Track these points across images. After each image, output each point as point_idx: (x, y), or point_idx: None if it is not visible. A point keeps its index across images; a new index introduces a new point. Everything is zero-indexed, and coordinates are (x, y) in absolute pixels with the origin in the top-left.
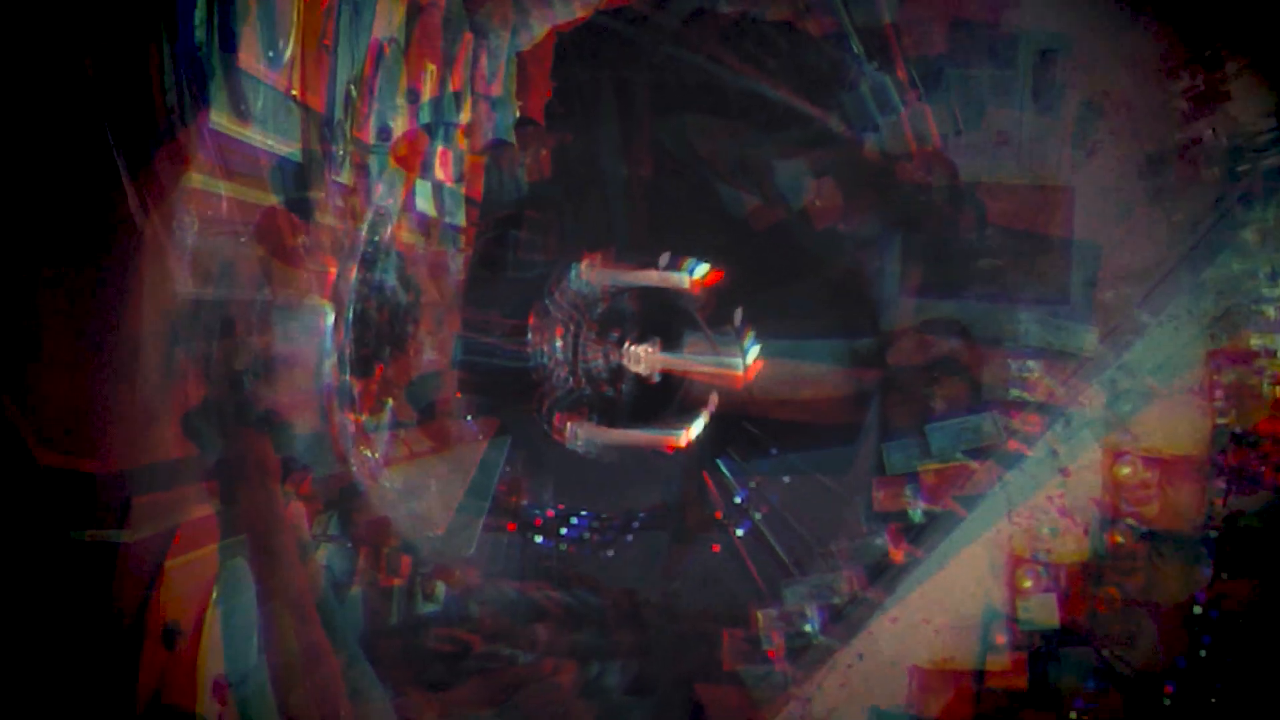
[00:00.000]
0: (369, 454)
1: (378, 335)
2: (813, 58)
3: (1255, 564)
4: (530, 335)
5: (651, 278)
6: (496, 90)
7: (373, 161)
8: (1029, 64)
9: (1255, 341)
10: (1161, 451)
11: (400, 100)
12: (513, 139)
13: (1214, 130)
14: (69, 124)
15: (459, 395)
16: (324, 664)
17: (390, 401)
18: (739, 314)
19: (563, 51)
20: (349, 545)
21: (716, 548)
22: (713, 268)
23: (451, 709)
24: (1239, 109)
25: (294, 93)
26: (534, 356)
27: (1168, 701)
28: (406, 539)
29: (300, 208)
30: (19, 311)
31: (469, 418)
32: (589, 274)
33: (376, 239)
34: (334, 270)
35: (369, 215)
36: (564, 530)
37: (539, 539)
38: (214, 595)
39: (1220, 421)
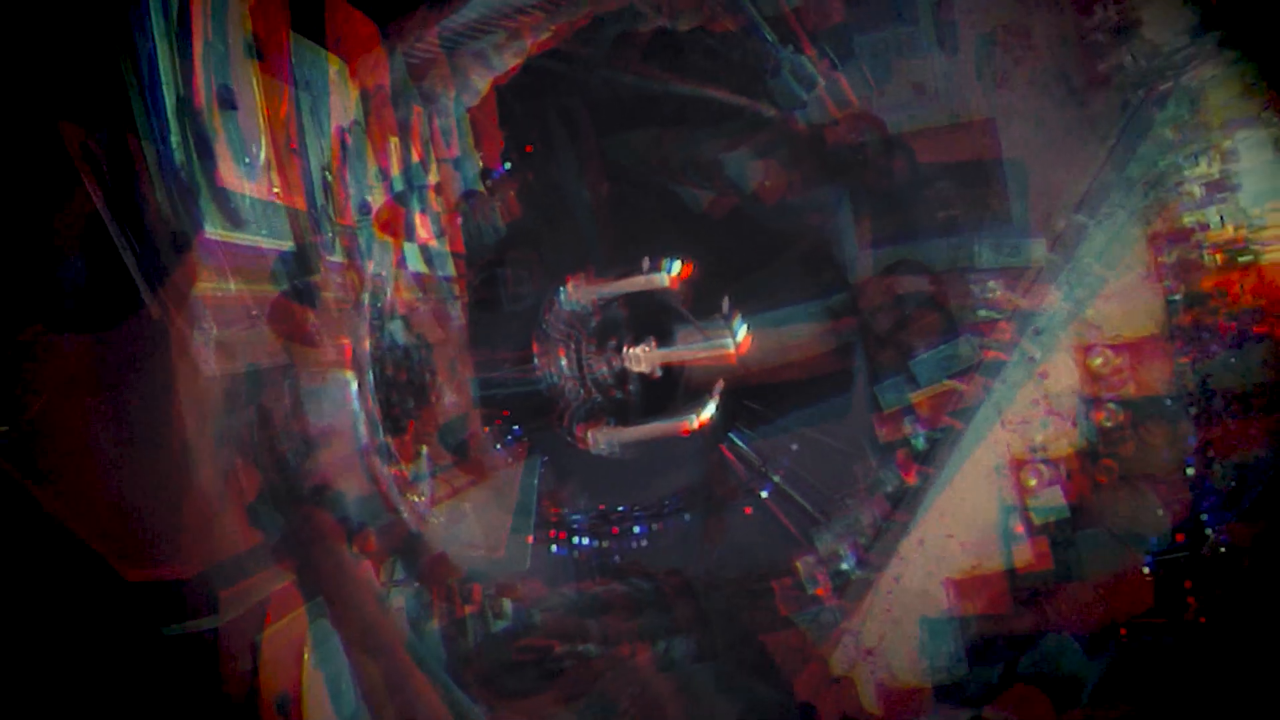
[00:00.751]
0: (417, 499)
1: (401, 392)
2: (733, 54)
3: (1230, 417)
4: (537, 360)
5: (633, 284)
6: (455, 151)
7: (360, 236)
8: (928, 13)
9: (1188, 219)
10: (1125, 336)
11: (372, 180)
12: (481, 189)
13: (1133, 56)
14: (82, 246)
15: (486, 430)
16: (409, 683)
17: (425, 448)
18: (727, 300)
19: (506, 101)
20: (416, 585)
21: (749, 510)
22: (685, 261)
23: (543, 712)
24: (1152, 32)
25: (276, 190)
26: (544, 379)
27: (1181, 559)
28: (470, 568)
29: (305, 292)
30: (74, 439)
31: (499, 446)
32: (576, 293)
33: (380, 305)
34: (348, 342)
35: (368, 285)
36: (604, 529)
37: (585, 541)
38: (306, 657)
39: (1172, 298)
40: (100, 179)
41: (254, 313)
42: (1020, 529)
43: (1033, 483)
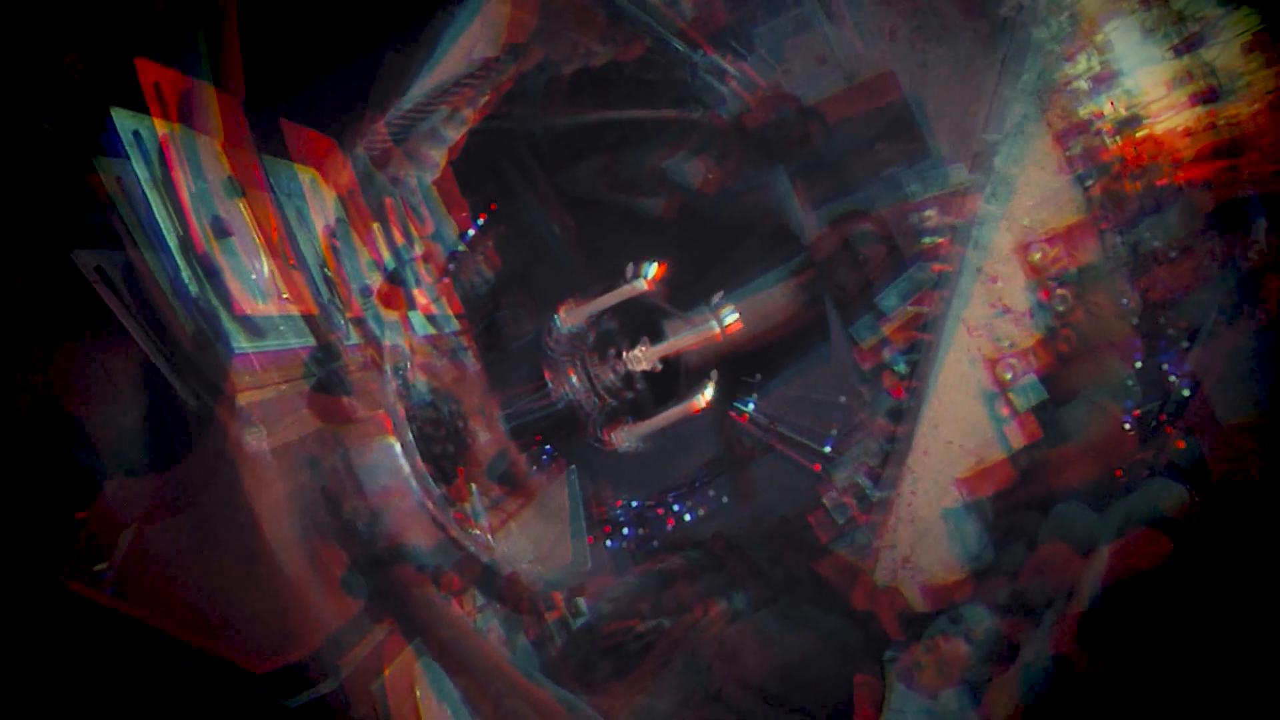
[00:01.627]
0: (479, 533)
1: (441, 443)
2: (650, 72)
3: (1158, 264)
4: (550, 384)
5: (616, 295)
6: (430, 224)
7: (369, 317)
8: None
9: (1083, 112)
10: (1055, 227)
11: (366, 268)
12: (462, 249)
13: None
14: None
15: (524, 456)
16: (517, 693)
17: (474, 486)
18: (719, 296)
19: (463, 168)
20: (498, 606)
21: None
22: (657, 264)
23: (640, 686)
24: None
25: (285, 296)
26: (561, 398)
27: (1152, 402)
28: (542, 579)
29: (335, 379)
30: (168, 562)
31: (537, 468)
32: (569, 318)
33: (403, 372)
34: (385, 412)
35: (388, 358)
36: (648, 515)
37: (633, 530)
38: (418, 692)
39: (1087, 183)
40: (125, 304)
41: (296, 406)
42: (1006, 411)
43: (1008, 376)
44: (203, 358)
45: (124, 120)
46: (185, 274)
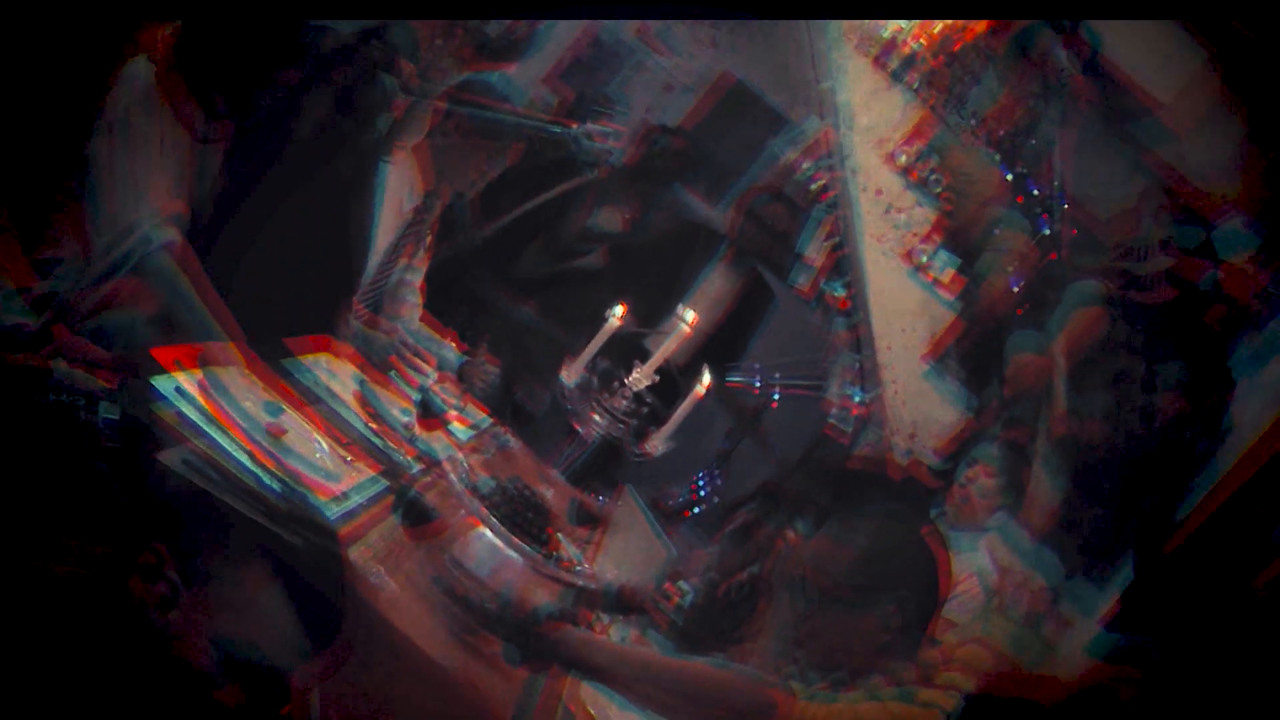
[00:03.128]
0: (581, 568)
1: (522, 516)
2: (543, 159)
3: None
4: (581, 431)
5: (598, 340)
6: (432, 356)
7: (420, 447)
8: (632, 41)
9: (886, 34)
10: (906, 130)
11: (399, 412)
12: (465, 359)
13: None
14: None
15: (590, 495)
16: (677, 677)
17: (562, 536)
18: (681, 306)
19: (433, 303)
20: (624, 618)
21: (775, 404)
22: (620, 302)
23: (759, 628)
24: None
25: (350, 460)
26: (595, 438)
27: (1048, 234)
28: (648, 579)
29: (418, 505)
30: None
31: (601, 499)
32: (571, 375)
33: (466, 476)
34: (467, 511)
35: (448, 469)
36: (701, 493)
37: (698, 510)
38: (592, 712)
39: (918, 90)
40: (216, 482)
41: (397, 538)
42: (929, 278)
43: (924, 259)
44: (294, 504)
45: (162, 383)
46: (265, 479)
